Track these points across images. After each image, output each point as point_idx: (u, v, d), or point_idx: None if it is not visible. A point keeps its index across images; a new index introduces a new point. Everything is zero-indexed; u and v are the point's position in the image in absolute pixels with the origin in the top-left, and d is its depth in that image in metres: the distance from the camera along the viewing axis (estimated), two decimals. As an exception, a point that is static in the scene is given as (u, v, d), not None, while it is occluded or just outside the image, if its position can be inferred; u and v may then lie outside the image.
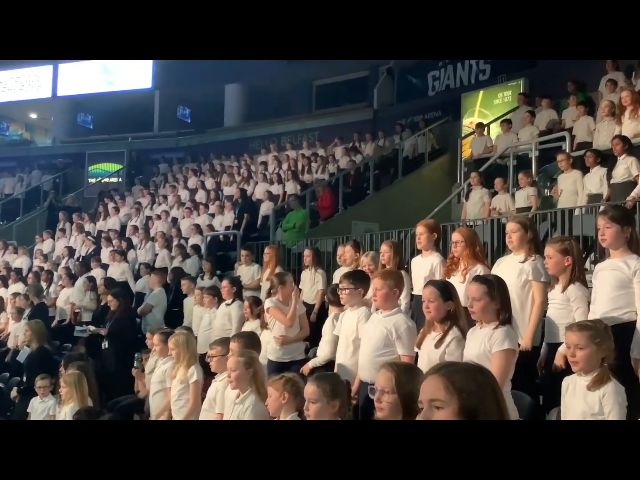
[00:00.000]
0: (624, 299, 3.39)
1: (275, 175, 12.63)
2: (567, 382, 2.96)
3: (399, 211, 10.13)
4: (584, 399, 2.83)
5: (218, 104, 18.83)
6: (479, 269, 4.26)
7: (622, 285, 3.40)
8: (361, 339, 3.96)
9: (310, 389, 2.87)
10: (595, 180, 6.89)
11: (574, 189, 7.17)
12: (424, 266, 4.79)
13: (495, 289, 3.27)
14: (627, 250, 3.46)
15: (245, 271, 7.91)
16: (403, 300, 4.89)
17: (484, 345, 3.19)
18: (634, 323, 3.34)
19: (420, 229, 4.84)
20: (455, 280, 4.21)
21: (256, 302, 5.73)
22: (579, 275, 3.69)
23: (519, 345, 3.54)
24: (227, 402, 4.14)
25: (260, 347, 4.56)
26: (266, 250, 7.24)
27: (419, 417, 1.63)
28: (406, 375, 2.42)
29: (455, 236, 4.48)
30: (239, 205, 11.57)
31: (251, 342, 4.45)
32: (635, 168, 6.45)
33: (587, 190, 6.94)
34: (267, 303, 5.23)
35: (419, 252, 5.02)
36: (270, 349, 5.07)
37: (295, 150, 14.53)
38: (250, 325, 5.53)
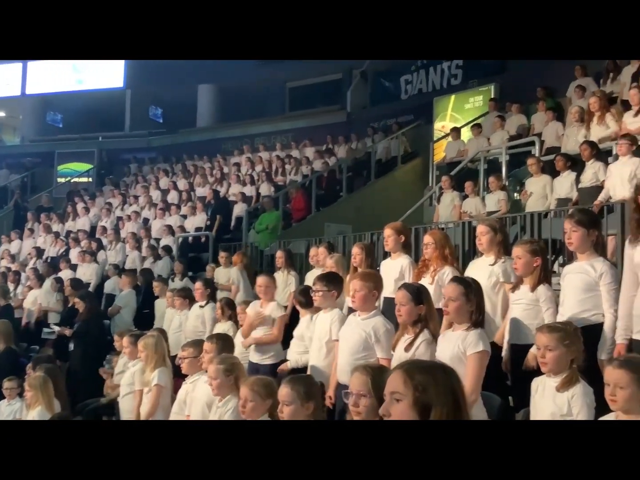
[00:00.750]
0: (592, 301, 3.45)
1: (249, 177, 12.59)
2: (537, 383, 3.00)
3: (372, 213, 10.17)
4: (553, 400, 2.87)
5: (191, 104, 18.69)
6: (447, 271, 4.31)
7: (589, 288, 3.47)
8: (339, 341, 3.95)
9: (284, 391, 2.85)
10: (566, 185, 7.01)
11: (544, 192, 7.30)
12: (394, 268, 4.82)
13: (472, 290, 3.32)
14: (593, 253, 3.52)
15: (223, 273, 7.87)
16: (374, 303, 4.94)
17: (457, 347, 3.23)
18: (601, 325, 3.41)
19: (387, 232, 4.89)
20: (425, 282, 4.25)
21: (228, 304, 5.71)
22: (546, 276, 3.76)
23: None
24: (195, 404, 4.11)
25: (233, 348, 4.55)
26: (235, 255, 7.30)
27: (380, 409, 1.72)
28: (381, 377, 2.40)
29: (426, 238, 4.54)
30: (211, 206, 11.50)
31: (227, 343, 4.45)
32: (602, 173, 6.58)
33: (557, 194, 7.08)
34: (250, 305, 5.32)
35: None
36: (251, 351, 5.08)
37: (269, 152, 14.51)
38: (222, 327, 5.51)
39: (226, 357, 3.95)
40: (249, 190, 12.07)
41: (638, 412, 2.43)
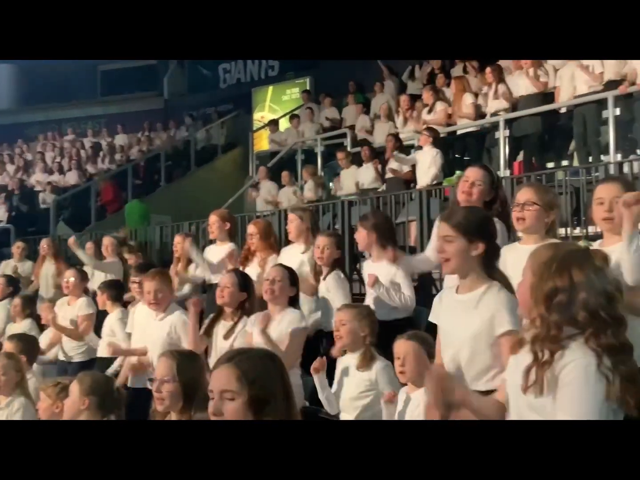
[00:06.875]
0: (396, 292, 3.71)
1: (56, 165, 11.73)
2: (341, 362, 3.18)
3: (192, 203, 10.04)
4: (354, 378, 3.07)
5: (-13, 84, 16.88)
6: (275, 258, 4.43)
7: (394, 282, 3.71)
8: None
9: (73, 387, 2.74)
10: (369, 175, 7.50)
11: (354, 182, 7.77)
12: (219, 255, 4.83)
13: (295, 277, 3.53)
14: (382, 251, 3.77)
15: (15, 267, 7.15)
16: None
17: (279, 328, 3.35)
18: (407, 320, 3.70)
19: (212, 219, 4.88)
20: (252, 271, 4.33)
21: (27, 301, 5.28)
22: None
23: None
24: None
25: (38, 349, 4.25)
26: (43, 243, 6.71)
27: (210, 409, 1.59)
28: (188, 362, 2.40)
29: (251, 228, 4.61)
30: (15, 196, 10.56)
31: (29, 345, 4.14)
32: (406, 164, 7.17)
33: (362, 183, 7.55)
34: None
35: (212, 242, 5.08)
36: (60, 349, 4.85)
37: (79, 138, 13.62)
38: (19, 326, 5.06)
39: (10, 353, 3.74)
40: (57, 179, 11.26)
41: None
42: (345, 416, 3.04)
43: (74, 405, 2.66)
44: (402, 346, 2.73)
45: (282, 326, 3.36)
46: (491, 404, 1.88)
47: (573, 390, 1.53)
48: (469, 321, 2.16)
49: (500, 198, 3.22)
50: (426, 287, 4.82)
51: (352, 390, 3.05)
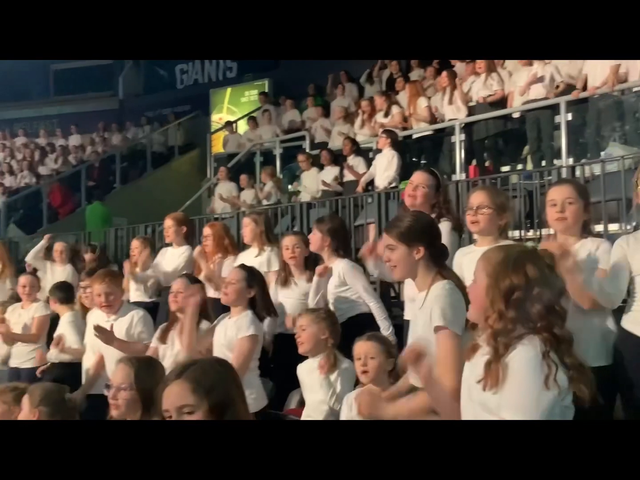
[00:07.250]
0: (350, 294, 3.72)
1: (7, 166, 11.41)
2: (304, 367, 3.17)
3: (149, 205, 9.90)
4: (320, 381, 3.06)
5: None
6: (232, 260, 4.40)
7: (342, 283, 3.70)
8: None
9: (26, 397, 2.64)
10: (329, 178, 7.52)
11: (316, 184, 7.76)
12: (174, 257, 4.83)
13: (255, 278, 3.36)
14: (333, 255, 3.76)
15: None
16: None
17: (231, 332, 3.26)
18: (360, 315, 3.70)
19: (168, 222, 4.93)
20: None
21: None
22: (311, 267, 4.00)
23: None
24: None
25: None
26: None
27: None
28: (146, 370, 2.35)
29: (206, 231, 4.65)
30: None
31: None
32: (362, 166, 7.21)
33: (321, 186, 7.55)
34: None
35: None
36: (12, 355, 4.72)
37: (31, 139, 13.28)
38: None
39: None
40: (8, 181, 10.96)
41: (386, 383, 2.69)
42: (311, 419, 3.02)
43: (26, 419, 2.58)
44: (362, 347, 2.74)
45: (232, 333, 3.24)
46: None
47: (516, 378, 1.58)
48: (418, 322, 2.26)
49: (441, 201, 3.29)
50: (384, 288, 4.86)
51: (319, 393, 3.03)
